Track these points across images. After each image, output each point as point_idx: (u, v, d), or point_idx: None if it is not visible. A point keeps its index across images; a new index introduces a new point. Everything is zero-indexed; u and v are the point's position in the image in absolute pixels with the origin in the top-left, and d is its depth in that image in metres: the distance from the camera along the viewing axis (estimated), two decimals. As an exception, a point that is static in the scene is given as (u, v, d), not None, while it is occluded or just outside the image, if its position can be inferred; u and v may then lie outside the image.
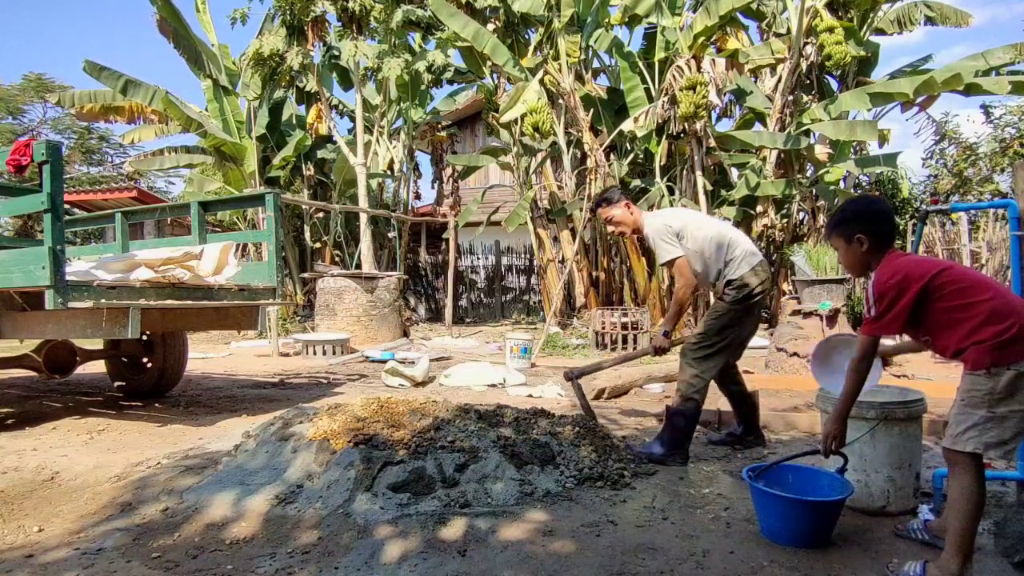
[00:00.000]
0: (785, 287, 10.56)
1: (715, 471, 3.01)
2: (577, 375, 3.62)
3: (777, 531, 2.20)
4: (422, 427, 2.85)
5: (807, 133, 10.17)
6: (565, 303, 11.76)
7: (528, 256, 15.62)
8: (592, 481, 2.73)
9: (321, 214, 14.11)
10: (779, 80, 10.08)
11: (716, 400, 3.79)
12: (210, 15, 12.82)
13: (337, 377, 6.48)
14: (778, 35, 10.66)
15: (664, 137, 10.24)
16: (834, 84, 11.34)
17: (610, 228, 3.47)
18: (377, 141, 13.09)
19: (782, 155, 10.51)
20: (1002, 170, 13.46)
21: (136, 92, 12.03)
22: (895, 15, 11.18)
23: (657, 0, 9.94)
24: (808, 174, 10.95)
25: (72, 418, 4.33)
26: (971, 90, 9.48)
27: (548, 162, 12.00)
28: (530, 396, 5.16)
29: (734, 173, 11.10)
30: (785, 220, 11.34)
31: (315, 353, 8.20)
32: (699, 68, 9.82)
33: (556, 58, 10.43)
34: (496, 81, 11.62)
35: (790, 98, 10.01)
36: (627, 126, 10.10)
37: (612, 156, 11.43)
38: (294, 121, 14.34)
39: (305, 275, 11.96)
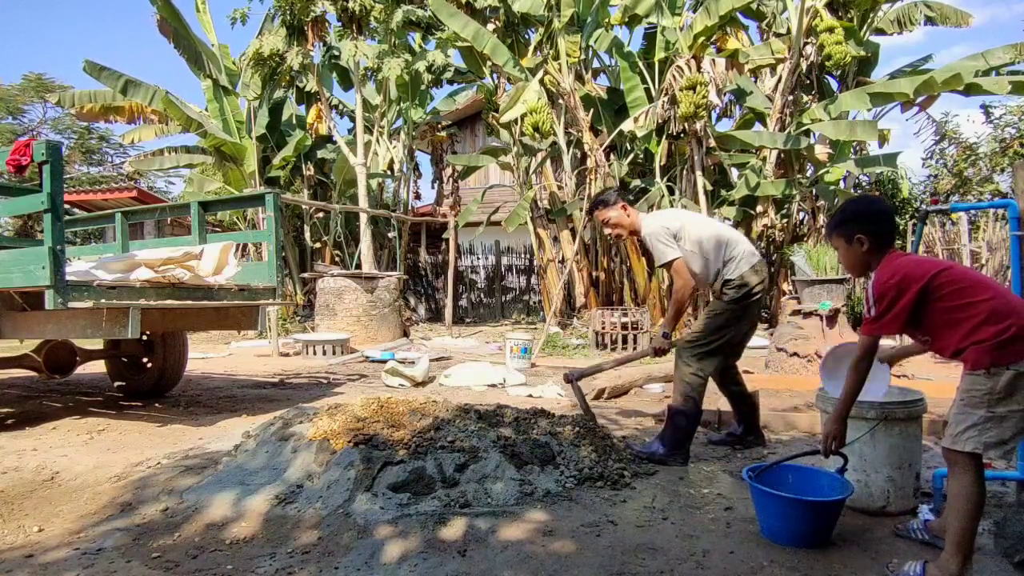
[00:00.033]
0: (785, 287, 10.56)
1: (715, 471, 3.01)
2: (577, 377, 3.62)
3: (777, 531, 2.20)
4: (422, 427, 2.85)
5: (807, 133, 10.17)
6: (565, 303, 11.76)
7: (528, 256, 15.62)
8: (592, 481, 2.73)
9: (321, 214, 14.11)
10: (779, 80, 10.08)
11: (716, 400, 3.79)
12: (210, 15, 12.82)
13: (337, 377, 6.48)
14: (778, 35, 10.66)
15: (664, 137, 10.24)
16: (834, 84, 11.35)
17: (607, 230, 3.46)
18: (377, 141, 13.09)
19: (782, 155, 10.51)
20: (1002, 170, 13.46)
21: (136, 92, 12.03)
22: (895, 15, 11.18)
23: (657, 0, 9.94)
24: (808, 174, 10.95)
25: (72, 418, 4.33)
26: (971, 90, 9.48)
27: (548, 162, 12.00)
28: (530, 396, 5.16)
29: (734, 173, 11.10)
30: (785, 220, 11.34)
31: (315, 353, 8.20)
32: (699, 68, 9.83)
33: (556, 58, 10.43)
34: (496, 81, 11.62)
35: (790, 98, 10.01)
36: (627, 126, 10.11)
37: (612, 156, 11.44)
38: (294, 121, 14.34)
39: (305, 275, 11.97)
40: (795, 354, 5.87)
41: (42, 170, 3.19)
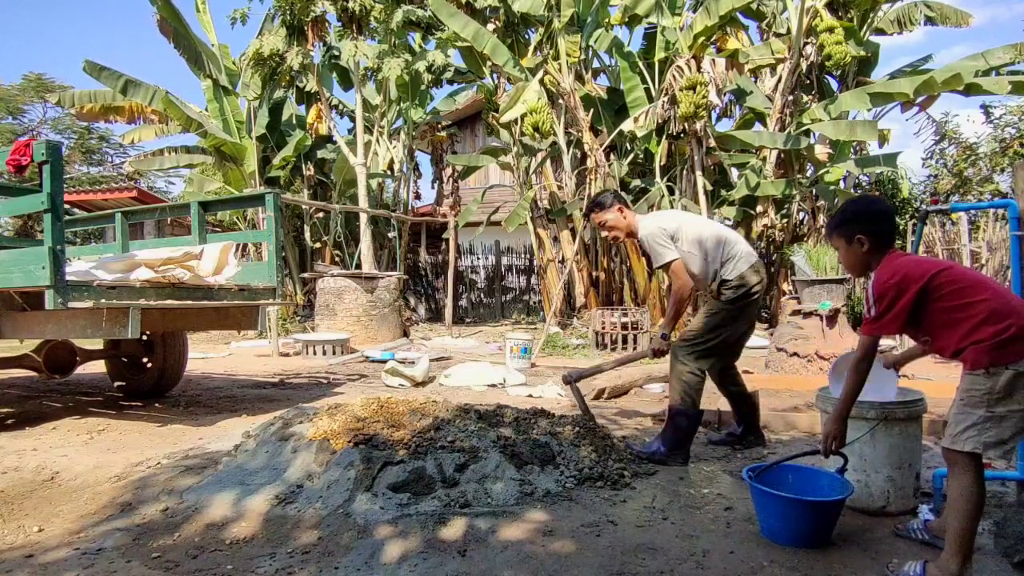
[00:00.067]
0: (785, 287, 10.57)
1: (715, 471, 3.01)
2: (576, 378, 3.62)
3: (777, 531, 2.20)
4: (422, 427, 2.85)
5: (807, 133, 10.17)
6: (565, 303, 11.76)
7: (528, 256, 15.62)
8: (592, 481, 2.73)
9: (321, 214, 14.11)
10: (779, 80, 10.08)
11: (716, 400, 3.79)
12: (210, 15, 12.82)
13: (337, 377, 6.48)
14: (778, 35, 10.66)
15: (664, 137, 10.24)
16: (834, 84, 11.35)
17: (604, 233, 3.45)
18: (377, 141, 13.09)
19: (782, 155, 10.51)
20: (1002, 170, 13.45)
21: (136, 92, 12.04)
22: (895, 15, 11.18)
23: (657, 0, 9.94)
24: (808, 174, 10.95)
25: (72, 418, 4.33)
26: (971, 90, 9.48)
27: (548, 162, 12.00)
28: (530, 396, 5.16)
29: (734, 173, 11.10)
30: (785, 220, 11.34)
31: (315, 353, 8.20)
32: (699, 68, 9.83)
33: (556, 58, 10.43)
34: (496, 81, 11.62)
35: (790, 98, 10.01)
36: (627, 126, 10.11)
37: (612, 156, 11.44)
38: (294, 121, 14.34)
39: (305, 275, 11.97)
40: (795, 354, 5.88)
41: (42, 170, 3.19)
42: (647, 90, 10.52)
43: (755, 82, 11.20)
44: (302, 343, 8.47)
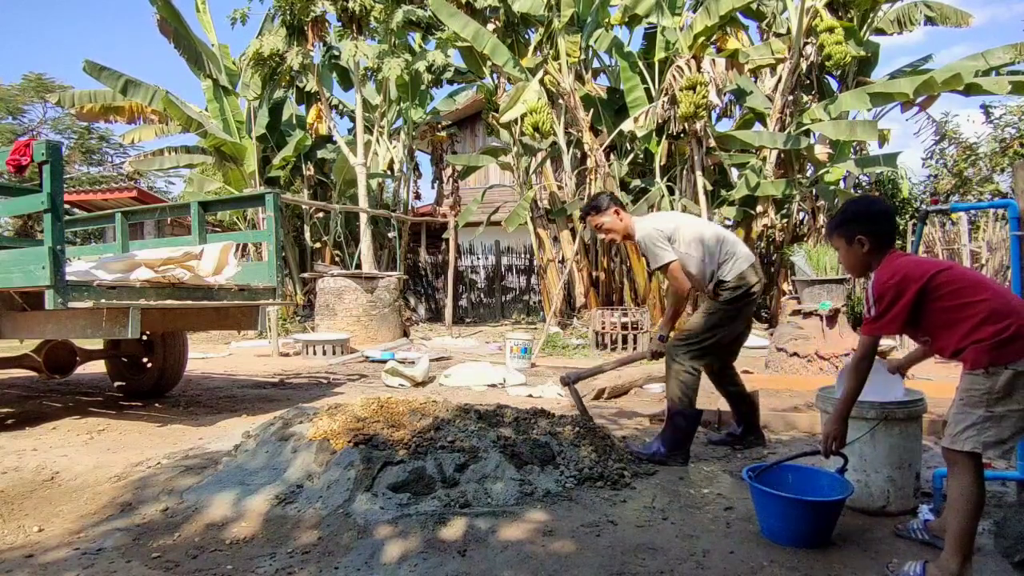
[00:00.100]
0: (785, 287, 10.57)
1: (715, 471, 3.01)
2: (574, 379, 3.62)
3: (777, 531, 2.20)
4: (422, 427, 2.85)
5: (807, 133, 10.17)
6: (565, 303, 11.77)
7: (528, 256, 15.62)
8: (592, 481, 2.73)
9: (321, 214, 14.11)
10: (779, 80, 10.08)
11: (716, 400, 3.79)
12: (210, 15, 12.82)
13: (337, 377, 6.48)
14: (778, 35, 10.66)
15: (664, 137, 10.24)
16: (834, 84, 11.34)
17: (600, 235, 3.46)
18: (377, 141, 13.09)
19: (782, 155, 10.51)
20: (1002, 170, 13.45)
21: (136, 92, 12.04)
22: (895, 15, 11.18)
23: (657, 0, 9.94)
24: (808, 174, 10.95)
25: (72, 418, 4.33)
26: (971, 90, 9.48)
27: (548, 162, 12.00)
28: (530, 396, 5.16)
29: (734, 173, 11.10)
30: (785, 220, 11.34)
31: (315, 353, 8.20)
32: (699, 68, 9.83)
33: (556, 58, 10.43)
34: (496, 81, 11.62)
35: (790, 98, 10.01)
36: (627, 126, 10.11)
37: (612, 156, 11.44)
38: (294, 121, 14.34)
39: (305, 275, 11.97)
40: (795, 354, 5.88)
41: (42, 170, 3.19)
42: (647, 90, 10.52)
43: (755, 82, 11.20)
44: (302, 343, 8.47)
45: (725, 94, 11.40)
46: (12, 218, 14.92)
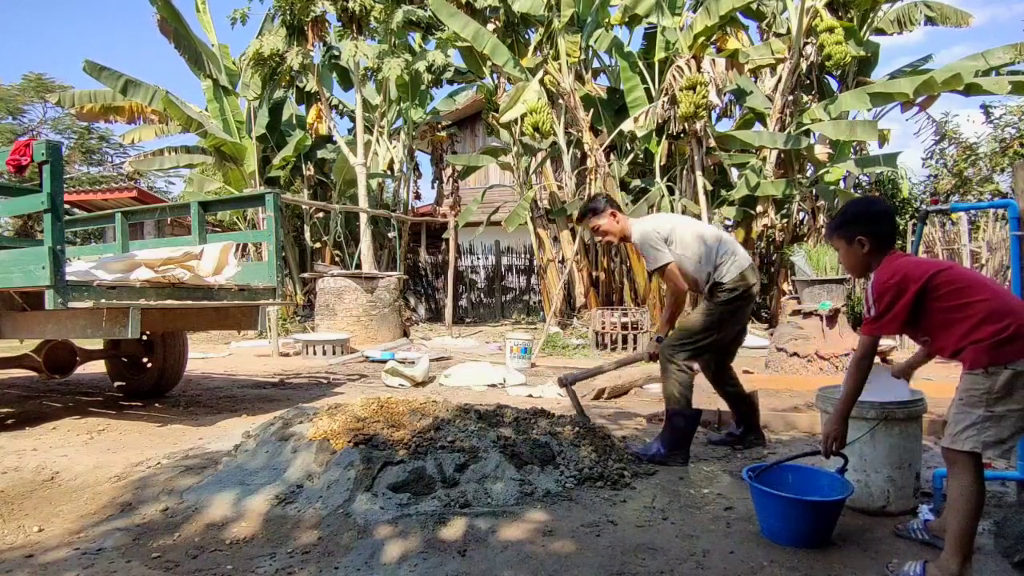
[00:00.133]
0: (785, 287, 10.57)
1: (715, 471, 3.01)
2: (571, 381, 3.62)
3: (777, 531, 2.20)
4: (422, 427, 2.85)
5: (807, 133, 10.17)
6: (565, 303, 11.77)
7: (528, 256, 15.62)
8: (592, 481, 2.73)
9: (321, 214, 14.11)
10: (779, 80, 10.08)
11: (716, 400, 3.79)
12: (210, 15, 12.82)
13: (337, 377, 6.48)
14: (778, 35, 10.66)
15: (664, 137, 10.24)
16: (834, 84, 11.35)
17: (597, 237, 3.47)
18: (377, 141, 13.09)
19: (782, 155, 10.51)
20: (1002, 170, 13.44)
21: (136, 92, 12.04)
22: (895, 15, 11.18)
23: (657, 0, 9.94)
24: (808, 174, 10.95)
25: (72, 418, 4.33)
26: (971, 90, 9.48)
27: (548, 162, 12.00)
28: (530, 396, 5.16)
29: (734, 173, 11.10)
30: (785, 220, 11.34)
31: (315, 353, 8.20)
32: (699, 68, 9.83)
33: (556, 58, 10.43)
34: (496, 81, 11.62)
35: (790, 98, 10.02)
36: (627, 126, 10.11)
37: (612, 156, 11.44)
38: (294, 121, 14.35)
39: (305, 275, 11.97)
40: (795, 354, 5.88)
41: (42, 170, 3.19)
42: (647, 90, 10.52)
43: (755, 82, 11.20)
44: (302, 343, 8.48)
45: (725, 94, 11.40)
46: (12, 218, 14.92)
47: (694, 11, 10.28)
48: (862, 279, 2.18)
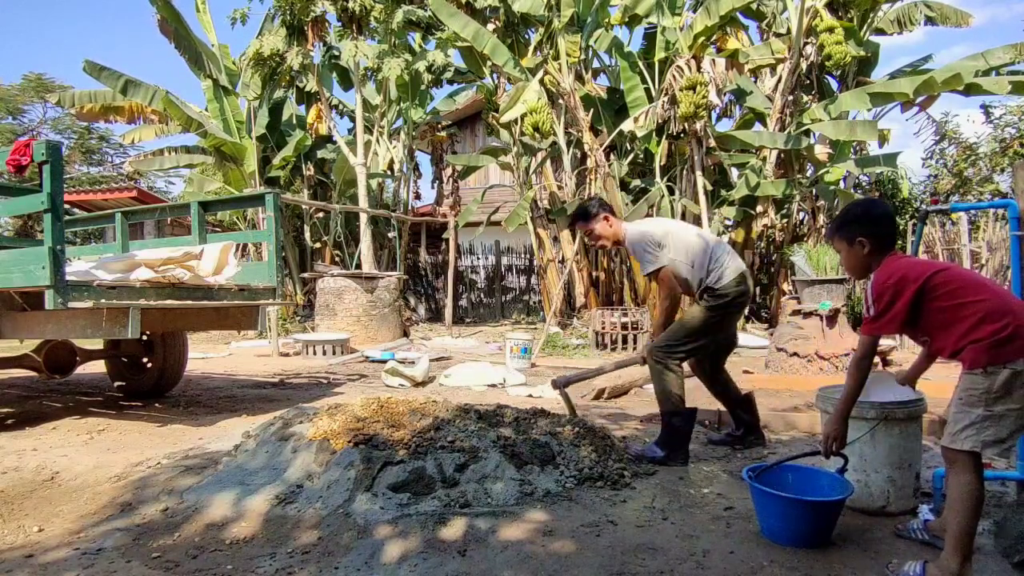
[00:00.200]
0: (785, 287, 10.57)
1: (715, 471, 3.01)
2: (564, 383, 3.62)
3: (777, 531, 2.20)
4: (422, 427, 2.85)
5: (807, 133, 10.17)
6: (565, 303, 11.77)
7: (528, 256, 15.62)
8: (592, 481, 2.73)
9: (321, 214, 14.11)
10: (779, 80, 10.08)
11: (716, 400, 3.78)
12: (210, 15, 12.83)
13: (337, 377, 6.48)
14: (778, 35, 10.66)
15: (664, 137, 10.24)
16: (834, 84, 11.35)
17: (590, 241, 3.46)
18: (377, 141, 13.09)
19: (782, 155, 10.51)
20: (1002, 170, 13.44)
21: (136, 92, 12.04)
22: (895, 15, 11.18)
23: (657, 0, 9.94)
24: (808, 174, 10.95)
25: (72, 418, 4.33)
26: (971, 90, 9.48)
27: (548, 162, 12.01)
28: (530, 396, 5.16)
29: (734, 173, 11.10)
30: (785, 220, 11.34)
31: (315, 353, 8.20)
32: (699, 68, 9.83)
33: (556, 58, 10.43)
34: (496, 81, 11.62)
35: (790, 98, 10.02)
36: (627, 126, 10.11)
37: (612, 156, 11.44)
38: (294, 121, 14.35)
39: (305, 275, 11.97)
40: (795, 354, 5.88)
41: (42, 170, 3.19)
42: (647, 90, 10.52)
43: (755, 82, 11.20)
44: (302, 343, 8.48)
45: (725, 94, 11.40)
46: (12, 218, 14.92)
47: (694, 11, 10.28)
48: (863, 280, 2.18)
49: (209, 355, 8.51)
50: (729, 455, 3.31)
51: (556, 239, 11.92)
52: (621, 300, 10.81)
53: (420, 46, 12.65)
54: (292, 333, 10.07)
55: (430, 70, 11.53)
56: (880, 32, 11.33)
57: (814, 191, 10.68)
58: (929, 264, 2.05)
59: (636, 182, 11.50)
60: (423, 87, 12.69)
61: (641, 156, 11.29)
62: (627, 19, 10.63)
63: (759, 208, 10.39)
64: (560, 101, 10.76)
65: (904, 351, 6.59)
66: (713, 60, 10.53)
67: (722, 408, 3.80)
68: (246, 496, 2.54)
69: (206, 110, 13.10)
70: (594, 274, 11.36)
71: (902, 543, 2.19)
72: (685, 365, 3.31)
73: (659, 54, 10.20)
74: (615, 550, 2.12)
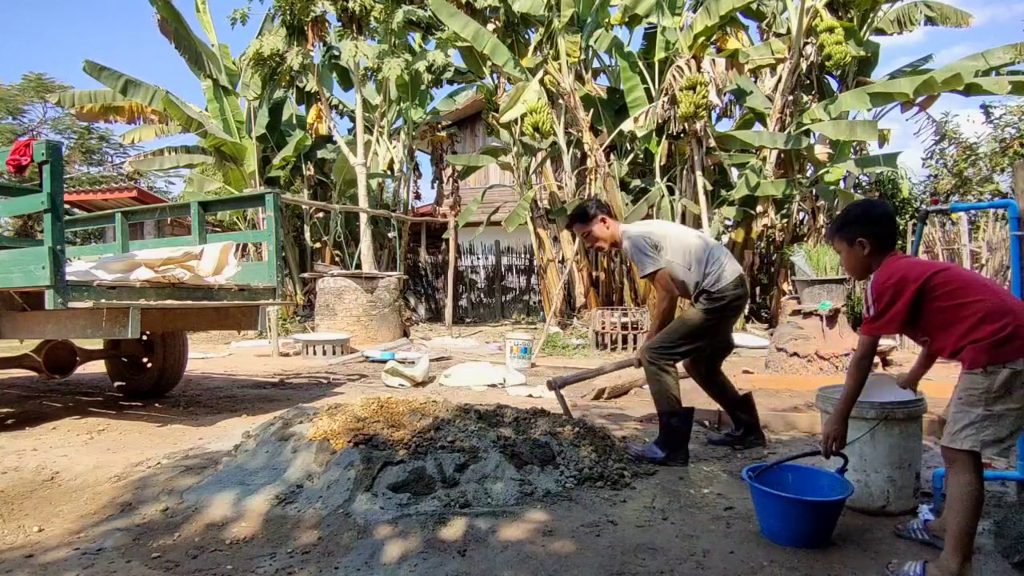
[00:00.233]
0: (785, 287, 10.57)
1: (715, 471, 3.01)
2: (560, 385, 3.62)
3: (777, 531, 2.20)
4: (422, 427, 2.85)
5: (807, 133, 10.17)
6: (565, 303, 11.77)
7: (528, 256, 15.62)
8: (592, 481, 2.73)
9: (321, 214, 14.11)
10: (779, 80, 10.08)
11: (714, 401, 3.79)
12: (210, 15, 12.83)
13: (337, 377, 6.48)
14: (778, 35, 10.66)
15: (664, 137, 10.24)
16: (834, 84, 11.35)
17: (586, 243, 3.46)
18: (377, 141, 13.09)
19: (782, 155, 10.51)
20: (1002, 170, 13.44)
21: (136, 92, 12.04)
22: (895, 15, 11.18)
23: (657, 0, 9.94)
24: (808, 174, 10.95)
25: (72, 418, 4.33)
26: (971, 90, 9.48)
27: (548, 162, 12.01)
28: (530, 396, 5.16)
29: (734, 173, 11.10)
30: (785, 220, 11.34)
31: (315, 353, 8.20)
32: (699, 68, 9.83)
33: (556, 58, 10.43)
34: (496, 81, 11.62)
35: (790, 98, 10.02)
36: (627, 126, 10.11)
37: (612, 156, 11.44)
38: (294, 121, 14.35)
39: (305, 275, 11.97)
40: (795, 354, 5.88)
41: (42, 170, 3.19)
42: (647, 90, 10.52)
43: (755, 82, 11.20)
44: (302, 343, 8.47)
45: (725, 94, 11.40)
46: (12, 218, 14.92)
47: (694, 11, 10.28)
48: (863, 280, 2.18)
49: (209, 355, 8.51)
50: (729, 455, 3.31)
51: (556, 239, 11.92)
52: (621, 300, 10.81)
53: (420, 46, 12.65)
54: (292, 333, 10.06)
55: (430, 70, 11.53)
56: (880, 32, 11.33)
57: (814, 191, 10.68)
58: (929, 264, 2.05)
59: (636, 182, 11.50)
60: (423, 87, 12.69)
61: (641, 156, 11.29)
62: (627, 19, 10.64)
63: (759, 208, 10.39)
64: (560, 101, 10.76)
65: (904, 351, 6.59)
66: (713, 60, 10.53)
67: (722, 408, 3.81)
68: (246, 496, 2.54)
69: (206, 110, 13.10)
70: (594, 274, 11.36)
71: (902, 543, 2.19)
72: (680, 366, 3.31)
73: (659, 54, 10.20)
74: (615, 550, 2.12)
